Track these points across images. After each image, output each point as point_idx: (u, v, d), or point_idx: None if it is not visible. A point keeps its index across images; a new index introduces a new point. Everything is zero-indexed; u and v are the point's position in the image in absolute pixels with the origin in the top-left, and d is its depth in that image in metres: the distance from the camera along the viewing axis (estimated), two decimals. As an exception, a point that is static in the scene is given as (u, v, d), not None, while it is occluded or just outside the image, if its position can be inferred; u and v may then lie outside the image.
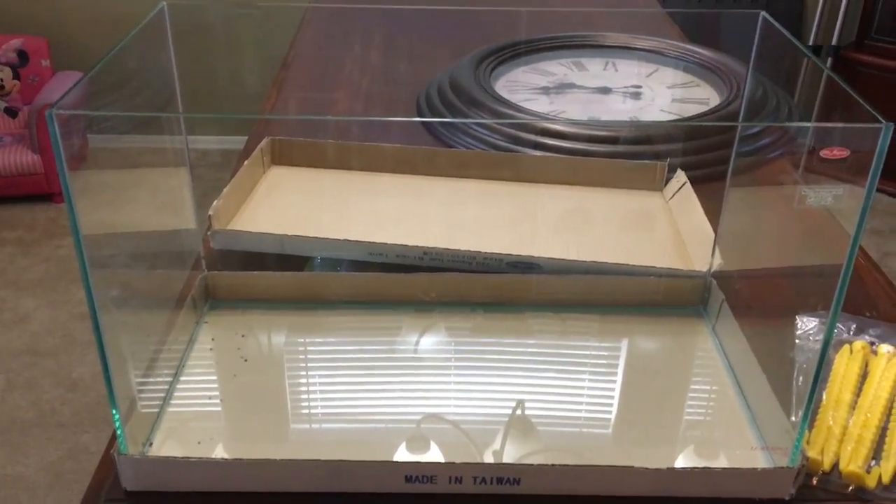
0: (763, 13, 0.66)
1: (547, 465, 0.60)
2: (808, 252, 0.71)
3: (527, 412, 0.70)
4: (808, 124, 0.67)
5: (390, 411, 0.71)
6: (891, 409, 0.68)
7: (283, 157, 1.02)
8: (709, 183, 0.92)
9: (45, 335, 2.11)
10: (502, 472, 0.60)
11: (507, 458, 0.64)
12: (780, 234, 0.74)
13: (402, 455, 0.64)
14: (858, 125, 0.49)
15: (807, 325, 0.75)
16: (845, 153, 0.50)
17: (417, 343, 0.78)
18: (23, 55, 2.79)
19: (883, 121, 0.47)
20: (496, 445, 0.65)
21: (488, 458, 0.64)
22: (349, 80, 1.38)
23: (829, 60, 2.75)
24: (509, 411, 0.70)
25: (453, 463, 0.61)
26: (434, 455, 0.65)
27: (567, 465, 0.60)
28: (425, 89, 1.27)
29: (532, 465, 0.61)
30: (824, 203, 0.52)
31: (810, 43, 2.76)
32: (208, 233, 0.83)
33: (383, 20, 1.60)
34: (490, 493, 0.61)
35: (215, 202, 0.84)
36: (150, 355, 0.71)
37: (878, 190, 2.69)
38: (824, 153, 0.50)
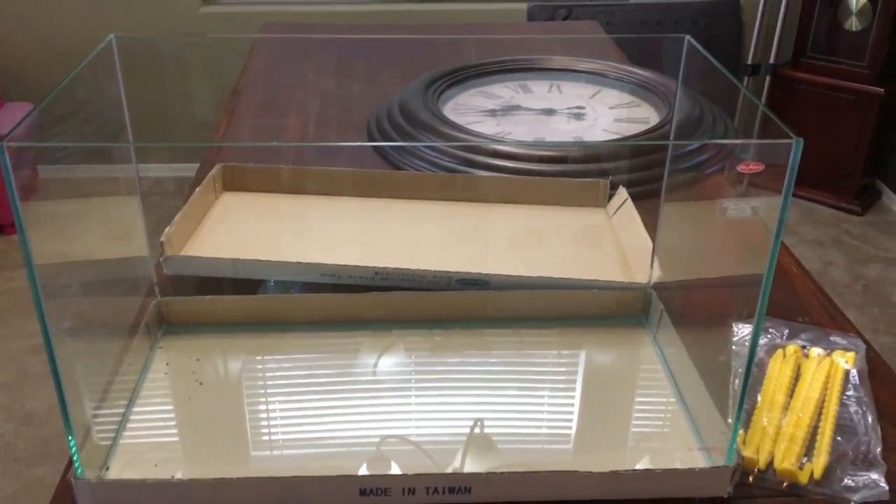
0: (688, 37, 0.70)
1: (496, 472, 0.63)
2: (740, 262, 0.74)
3: (483, 428, 0.72)
4: (726, 141, 0.71)
5: (348, 432, 0.72)
6: (821, 408, 0.72)
7: (234, 182, 1.04)
8: (650, 199, 0.96)
9: (-3, 369, 2.08)
10: (454, 482, 0.62)
11: (466, 471, 0.66)
12: (713, 246, 0.77)
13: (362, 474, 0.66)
14: (771, 141, 0.53)
15: (742, 331, 0.78)
16: (760, 167, 0.53)
17: (373, 363, 0.80)
18: (-31, 87, 2.75)
19: (793, 136, 0.50)
20: (455, 462, 0.67)
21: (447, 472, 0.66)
22: (299, 106, 1.40)
23: (768, 79, 2.84)
24: (466, 428, 0.72)
25: (406, 474, 0.63)
26: (393, 472, 0.66)
27: (515, 472, 0.62)
28: (375, 113, 1.29)
29: (481, 473, 0.63)
30: (743, 215, 0.55)
31: (749, 62, 2.85)
32: (161, 259, 0.84)
33: (331, 49, 1.63)
34: (443, 503, 0.63)
35: (167, 228, 0.86)
36: (105, 382, 0.72)
37: (819, 202, 2.79)
38: (741, 168, 0.54)
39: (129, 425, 0.70)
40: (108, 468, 0.66)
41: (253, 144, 1.28)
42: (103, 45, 0.69)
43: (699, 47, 0.68)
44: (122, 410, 0.71)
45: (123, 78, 0.76)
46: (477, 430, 0.71)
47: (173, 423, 0.72)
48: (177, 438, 0.71)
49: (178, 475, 0.65)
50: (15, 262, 2.52)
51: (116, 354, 0.75)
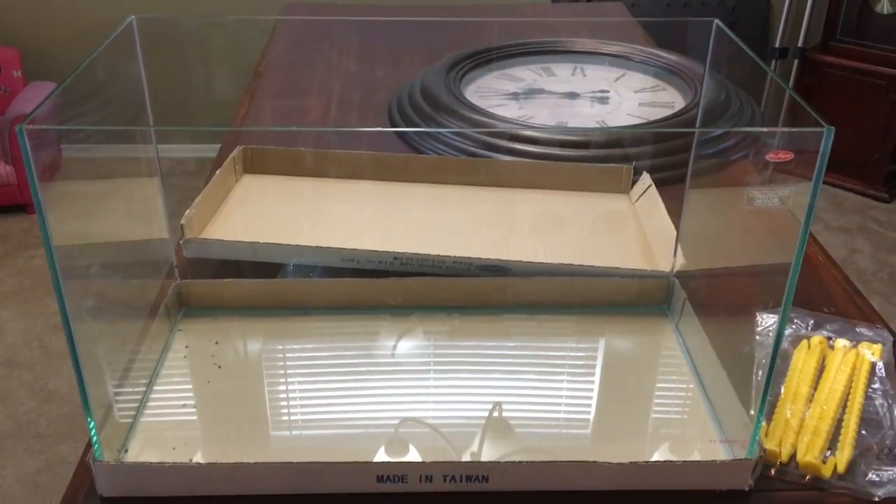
0: (717, 21, 0.69)
1: (514, 462, 0.62)
2: (766, 251, 0.73)
3: (502, 413, 0.71)
4: (755, 129, 0.69)
5: (365, 416, 0.72)
6: (846, 401, 0.71)
7: (255, 165, 1.03)
8: (674, 185, 0.94)
9: (21, 347, 2.10)
10: (471, 470, 0.62)
11: (483, 457, 0.66)
12: (738, 234, 0.76)
13: (379, 458, 0.66)
14: (802, 129, 0.51)
15: (766, 321, 0.77)
16: (790, 156, 0.52)
17: (392, 347, 0.80)
18: (-6, 66, 2.77)
19: (824, 124, 0.49)
20: (473, 447, 0.67)
21: (465, 459, 0.66)
22: (321, 88, 1.39)
23: (796, 62, 2.79)
24: (484, 412, 0.71)
25: (423, 462, 0.62)
26: (410, 457, 0.66)
27: (533, 462, 0.62)
28: (396, 95, 1.28)
29: (499, 462, 0.62)
30: (771, 204, 0.54)
31: (777, 45, 2.81)
32: (181, 242, 0.84)
33: (353, 30, 1.62)
34: (460, 491, 0.63)
35: (187, 211, 0.86)
36: (125, 363, 0.72)
37: (846, 188, 2.75)
38: (770, 156, 0.52)
39: (148, 408, 0.71)
40: (126, 450, 0.66)
41: (273, 129, 1.28)
42: (124, 26, 0.69)
43: (728, 31, 0.66)
44: (141, 393, 0.72)
45: (144, 59, 0.75)
46: (495, 416, 0.70)
47: (192, 405, 0.72)
48: (196, 422, 0.71)
49: (196, 458, 0.65)
50: (38, 241, 2.54)
51: (136, 336, 0.75)
